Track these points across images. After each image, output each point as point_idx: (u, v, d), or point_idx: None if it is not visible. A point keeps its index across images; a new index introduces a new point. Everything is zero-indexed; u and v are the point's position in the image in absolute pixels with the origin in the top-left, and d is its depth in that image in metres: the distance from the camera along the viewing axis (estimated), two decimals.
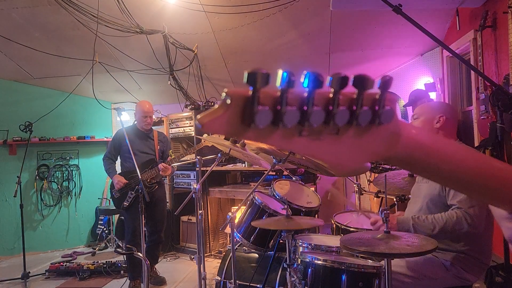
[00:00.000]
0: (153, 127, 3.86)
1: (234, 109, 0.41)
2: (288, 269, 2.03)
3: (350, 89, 0.44)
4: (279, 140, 0.42)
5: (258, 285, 2.45)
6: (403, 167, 0.56)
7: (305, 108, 0.41)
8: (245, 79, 0.40)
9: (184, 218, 4.78)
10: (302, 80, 0.41)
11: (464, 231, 1.74)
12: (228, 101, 0.41)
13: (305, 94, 0.41)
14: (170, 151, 3.93)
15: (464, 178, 0.55)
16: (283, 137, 0.42)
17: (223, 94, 0.41)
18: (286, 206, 2.21)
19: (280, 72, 0.40)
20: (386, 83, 0.45)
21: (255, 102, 0.40)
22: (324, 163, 0.47)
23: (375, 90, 0.45)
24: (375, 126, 0.46)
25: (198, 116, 0.40)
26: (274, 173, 3.96)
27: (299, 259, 2.00)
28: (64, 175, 5.41)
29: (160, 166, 3.57)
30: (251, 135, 0.41)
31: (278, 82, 0.40)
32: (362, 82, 0.43)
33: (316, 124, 0.42)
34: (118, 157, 3.77)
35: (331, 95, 0.43)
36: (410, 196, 2.14)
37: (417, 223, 1.79)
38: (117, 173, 3.64)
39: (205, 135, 3.09)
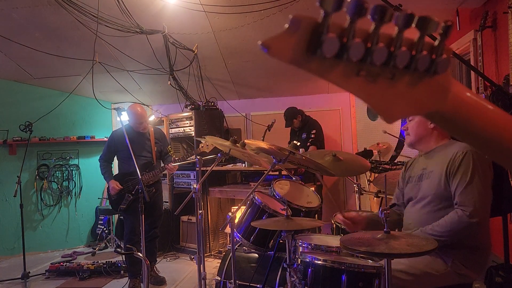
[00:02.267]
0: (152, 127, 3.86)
1: (302, 34, 0.38)
2: (288, 269, 2.03)
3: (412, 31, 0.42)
4: (338, 76, 0.41)
5: (258, 285, 2.45)
6: (444, 125, 0.54)
7: (369, 44, 0.40)
8: (318, 2, 0.38)
9: (184, 218, 4.78)
10: (368, 10, 0.39)
11: (469, 226, 1.74)
12: (297, 24, 0.38)
13: (371, 29, 0.40)
14: (169, 146, 3.90)
15: (504, 143, 0.54)
16: (343, 74, 0.41)
17: (291, 17, 0.38)
18: (286, 206, 2.21)
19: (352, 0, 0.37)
20: (448, 29, 0.43)
21: (326, 28, 0.38)
22: (374, 108, 0.45)
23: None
24: (429, 75, 0.44)
25: (259, 42, 0.38)
26: (276, 172, 3.97)
27: (299, 259, 1.99)
28: (64, 175, 5.41)
29: (168, 166, 3.57)
30: (314, 66, 0.40)
31: (347, 9, 0.38)
32: (427, 24, 0.41)
33: (378, 62, 0.40)
34: (115, 159, 3.76)
35: (395, 35, 0.41)
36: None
37: (427, 234, 1.79)
38: (113, 176, 3.63)
39: (205, 138, 3.09)
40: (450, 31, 0.43)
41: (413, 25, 0.41)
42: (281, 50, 0.39)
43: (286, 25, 0.39)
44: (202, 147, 3.49)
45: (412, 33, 0.44)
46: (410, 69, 0.43)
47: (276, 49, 0.38)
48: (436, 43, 0.43)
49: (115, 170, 3.83)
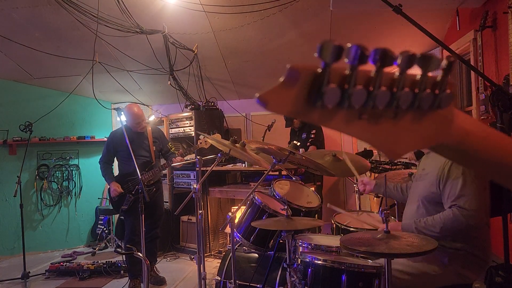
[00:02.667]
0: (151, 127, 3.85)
1: (301, 86, 0.37)
2: (288, 269, 2.03)
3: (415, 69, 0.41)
4: (340, 123, 0.40)
5: (258, 285, 2.45)
6: (449, 155, 0.54)
7: (371, 88, 0.39)
8: (317, 52, 0.36)
9: (184, 218, 4.78)
10: (369, 56, 0.38)
11: (464, 226, 1.76)
12: (295, 76, 0.37)
13: (372, 73, 0.39)
14: (169, 143, 3.88)
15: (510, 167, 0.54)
16: (344, 120, 0.40)
17: (288, 67, 0.37)
18: (286, 206, 2.21)
19: (349, 46, 0.36)
20: (450, 64, 0.42)
21: (326, 79, 0.37)
22: (378, 148, 0.45)
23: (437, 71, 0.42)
24: (432, 111, 0.44)
25: (257, 94, 0.36)
26: (276, 173, 3.97)
27: (299, 259, 2.00)
28: (64, 175, 5.41)
29: (176, 159, 3.57)
30: (315, 116, 0.39)
31: (347, 57, 0.37)
32: (429, 62, 0.40)
33: (381, 105, 0.40)
34: (115, 160, 3.76)
35: (397, 76, 0.40)
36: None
37: (419, 226, 1.83)
38: (114, 177, 3.63)
39: (202, 136, 3.09)
40: (453, 67, 0.43)
41: (415, 64, 0.41)
42: (279, 104, 0.37)
43: (282, 78, 0.37)
44: (201, 143, 3.49)
45: (415, 70, 0.43)
46: (414, 108, 0.42)
47: (274, 103, 0.37)
48: (439, 78, 0.43)
49: (115, 171, 3.83)
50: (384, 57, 0.38)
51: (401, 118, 0.43)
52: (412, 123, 0.44)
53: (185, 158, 3.71)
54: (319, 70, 0.37)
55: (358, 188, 2.52)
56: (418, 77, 0.42)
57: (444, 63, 0.42)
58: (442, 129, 0.47)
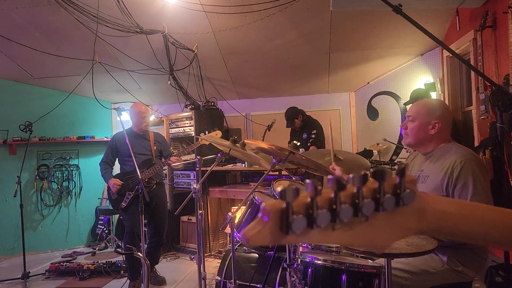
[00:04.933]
0: (151, 127, 3.86)
1: (272, 222, 0.45)
2: (288, 269, 2.03)
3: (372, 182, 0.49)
4: (316, 237, 0.47)
5: (258, 285, 2.45)
6: (435, 235, 0.63)
7: (334, 207, 0.47)
8: (278, 196, 0.46)
9: (184, 218, 4.78)
10: (327, 184, 0.47)
11: None
12: (266, 217, 0.46)
13: (332, 195, 0.47)
14: (171, 148, 3.92)
15: (496, 236, 0.59)
16: (320, 234, 0.47)
17: (261, 208, 0.47)
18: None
19: (307, 183, 0.46)
20: (402, 170, 0.50)
21: (290, 213, 0.45)
22: (363, 248, 0.53)
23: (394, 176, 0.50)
24: (400, 207, 0.51)
25: (241, 233, 0.45)
26: (276, 173, 3.97)
27: (299, 259, 1.99)
28: (64, 175, 5.41)
29: (172, 159, 3.58)
30: (291, 238, 0.46)
31: (306, 192, 0.46)
32: (380, 175, 0.49)
33: (346, 219, 0.47)
34: (116, 162, 3.77)
35: (355, 191, 0.48)
36: None
37: None
38: (115, 175, 3.64)
39: (202, 134, 3.10)
40: (406, 171, 0.50)
41: (371, 179, 0.49)
42: (260, 238, 0.45)
43: (259, 215, 0.47)
44: (201, 140, 3.51)
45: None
46: (380, 211, 0.49)
47: (256, 238, 0.45)
48: (397, 181, 0.50)
49: (117, 172, 3.83)
50: (339, 185, 0.46)
51: (373, 219, 0.50)
52: (385, 221, 0.51)
53: (184, 158, 3.72)
54: (284, 206, 0.45)
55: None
56: (376, 186, 0.49)
57: (397, 170, 0.50)
58: (416, 218, 0.53)
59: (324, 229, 0.47)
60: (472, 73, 3.52)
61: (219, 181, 4.81)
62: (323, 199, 0.47)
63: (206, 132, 4.24)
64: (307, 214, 0.46)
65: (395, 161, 3.99)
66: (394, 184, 0.50)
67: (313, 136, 4.46)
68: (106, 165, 3.68)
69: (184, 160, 3.76)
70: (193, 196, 2.59)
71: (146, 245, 3.59)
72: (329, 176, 0.47)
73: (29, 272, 4.03)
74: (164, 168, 3.82)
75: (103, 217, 5.38)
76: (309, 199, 0.46)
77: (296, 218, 0.45)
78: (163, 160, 3.70)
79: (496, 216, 0.60)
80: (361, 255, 1.90)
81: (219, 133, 3.83)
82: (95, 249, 5.08)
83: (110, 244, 5.23)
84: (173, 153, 3.81)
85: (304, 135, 4.54)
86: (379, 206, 0.49)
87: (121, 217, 4.75)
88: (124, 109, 3.13)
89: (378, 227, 0.51)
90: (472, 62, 3.35)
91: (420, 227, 0.54)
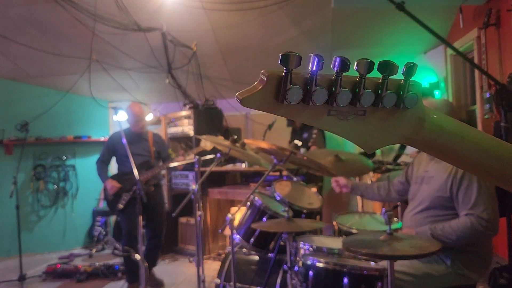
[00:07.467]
0: (150, 127, 3.81)
1: (269, 87, 0.45)
2: (289, 271, 1.99)
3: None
4: (309, 117, 0.47)
5: None
6: (426, 150, 0.58)
7: (333, 89, 0.45)
8: (279, 60, 0.43)
9: (183, 219, 4.73)
10: (331, 64, 0.45)
11: (482, 236, 1.75)
12: (264, 79, 0.45)
13: (333, 77, 0.46)
14: (169, 150, 3.88)
15: (488, 164, 0.57)
16: (313, 115, 0.47)
17: (261, 73, 0.46)
18: (287, 208, 2.16)
19: (311, 56, 0.44)
20: (410, 69, 0.48)
21: (288, 80, 0.44)
22: (351, 141, 0.51)
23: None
24: (400, 110, 0.50)
25: (237, 94, 0.46)
26: (277, 173, 3.92)
27: (300, 261, 1.96)
28: (61, 175, 5.35)
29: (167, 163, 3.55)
30: (284, 111, 0.46)
31: (309, 65, 0.44)
32: (386, 67, 0.47)
33: (343, 104, 0.46)
34: (114, 162, 3.72)
35: (357, 79, 0.47)
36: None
37: (435, 233, 1.80)
38: (110, 176, 3.59)
39: (204, 136, 3.03)
40: (414, 71, 0.48)
41: (376, 69, 0.47)
42: (252, 101, 0.46)
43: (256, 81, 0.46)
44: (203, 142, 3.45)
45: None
46: (378, 107, 0.48)
47: (249, 100, 0.46)
48: (402, 82, 0.49)
49: (114, 172, 3.78)
50: (343, 65, 0.45)
51: (370, 115, 0.49)
52: (381, 120, 0.50)
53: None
54: (283, 72, 0.44)
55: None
56: (380, 80, 0.48)
57: (405, 67, 0.48)
58: (413, 126, 0.52)
59: (319, 110, 0.46)
60: (476, 71, 3.48)
61: (218, 182, 4.76)
62: (323, 78, 0.45)
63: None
64: (305, 88, 0.45)
65: (398, 162, 3.94)
66: (399, 83, 0.49)
67: (314, 135, 4.41)
68: (102, 164, 3.64)
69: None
70: (192, 197, 2.54)
71: (144, 247, 3.53)
72: (334, 57, 0.45)
73: (26, 274, 3.98)
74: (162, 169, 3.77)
75: (100, 218, 5.32)
76: (309, 74, 0.45)
77: (293, 88, 0.44)
78: (161, 164, 3.66)
79: (494, 144, 0.58)
80: (364, 257, 1.86)
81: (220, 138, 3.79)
82: (92, 250, 5.02)
83: (108, 245, 5.18)
84: (172, 155, 3.76)
85: (305, 135, 4.49)
86: (379, 101, 0.48)
87: (118, 218, 4.70)
88: (121, 108, 3.08)
89: (372, 126, 0.50)
90: (475, 60, 3.32)
91: (414, 137, 0.53)
